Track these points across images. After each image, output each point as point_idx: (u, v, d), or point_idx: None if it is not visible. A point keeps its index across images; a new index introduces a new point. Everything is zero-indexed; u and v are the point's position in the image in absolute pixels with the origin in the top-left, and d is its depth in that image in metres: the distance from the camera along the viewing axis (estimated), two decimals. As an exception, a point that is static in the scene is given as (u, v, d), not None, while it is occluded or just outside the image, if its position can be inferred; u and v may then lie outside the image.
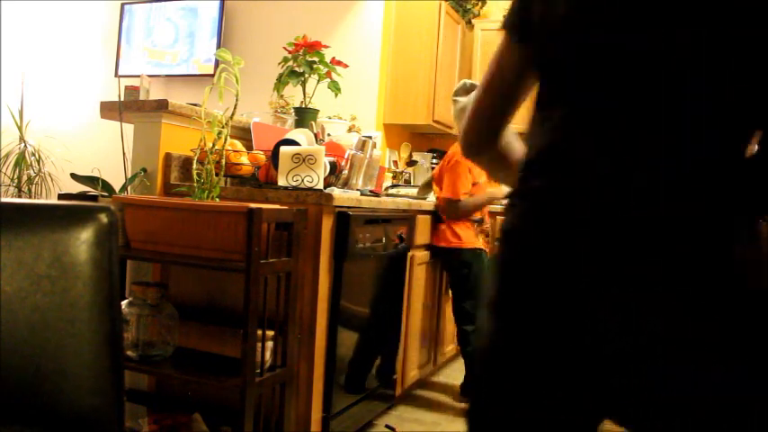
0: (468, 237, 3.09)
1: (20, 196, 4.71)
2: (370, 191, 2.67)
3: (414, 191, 3.57)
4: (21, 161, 4.75)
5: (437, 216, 3.18)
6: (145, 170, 2.32)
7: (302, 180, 2.25)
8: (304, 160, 2.25)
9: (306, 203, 2.18)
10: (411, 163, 3.95)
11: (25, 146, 4.79)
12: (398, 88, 4.11)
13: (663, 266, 0.74)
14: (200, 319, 2.22)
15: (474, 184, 3.05)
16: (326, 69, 2.80)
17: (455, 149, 3.05)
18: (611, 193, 0.76)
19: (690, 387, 0.73)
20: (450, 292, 3.24)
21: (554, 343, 0.80)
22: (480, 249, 3.11)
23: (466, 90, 3.00)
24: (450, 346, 3.69)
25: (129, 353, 1.96)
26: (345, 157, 2.56)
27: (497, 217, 3.56)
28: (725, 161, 0.76)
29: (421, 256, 3.02)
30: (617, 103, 0.78)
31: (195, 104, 2.40)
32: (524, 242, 0.84)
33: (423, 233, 3.03)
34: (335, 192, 2.27)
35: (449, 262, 3.18)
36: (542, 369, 0.81)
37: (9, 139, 4.75)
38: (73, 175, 2.35)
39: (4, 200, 0.86)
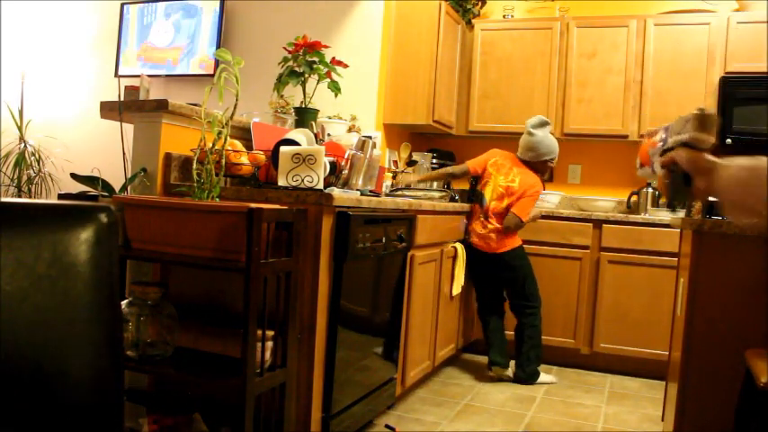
0: (514, 239, 3.60)
1: (20, 196, 4.71)
2: (371, 191, 2.67)
3: (418, 193, 3.58)
4: (21, 161, 4.75)
5: (468, 217, 3.72)
6: (145, 170, 2.32)
7: (302, 180, 2.25)
8: (304, 160, 2.26)
9: (306, 203, 2.18)
10: (411, 163, 3.95)
11: (25, 146, 4.79)
12: (398, 88, 4.11)
13: None
14: (200, 319, 2.22)
15: None
16: (326, 69, 2.80)
17: (526, 186, 3.53)
18: None
19: None
20: (504, 291, 3.71)
21: None
22: (521, 245, 3.62)
23: (541, 124, 3.59)
24: (450, 346, 3.69)
25: (129, 353, 1.96)
26: (345, 157, 2.56)
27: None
28: None
29: (421, 255, 3.02)
30: None
31: (195, 104, 2.40)
32: None
33: (423, 233, 3.03)
34: (335, 192, 2.27)
35: (503, 263, 3.58)
36: None
37: (9, 139, 4.75)
38: (73, 175, 2.35)
39: (4, 200, 0.86)
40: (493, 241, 3.55)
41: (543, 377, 3.59)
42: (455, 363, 3.90)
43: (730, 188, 1.07)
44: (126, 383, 2.25)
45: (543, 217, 3.96)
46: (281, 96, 3.24)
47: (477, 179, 4.43)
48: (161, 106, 2.28)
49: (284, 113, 3.01)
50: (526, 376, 3.55)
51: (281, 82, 2.80)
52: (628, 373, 3.87)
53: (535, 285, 3.61)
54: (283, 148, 2.30)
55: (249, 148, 2.43)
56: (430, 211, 3.13)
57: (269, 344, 1.96)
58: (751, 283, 2.11)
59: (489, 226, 3.56)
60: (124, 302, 1.97)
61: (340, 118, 3.55)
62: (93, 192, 2.31)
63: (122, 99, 2.35)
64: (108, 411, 0.90)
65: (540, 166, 3.60)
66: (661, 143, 1.27)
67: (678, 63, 4.03)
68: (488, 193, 3.60)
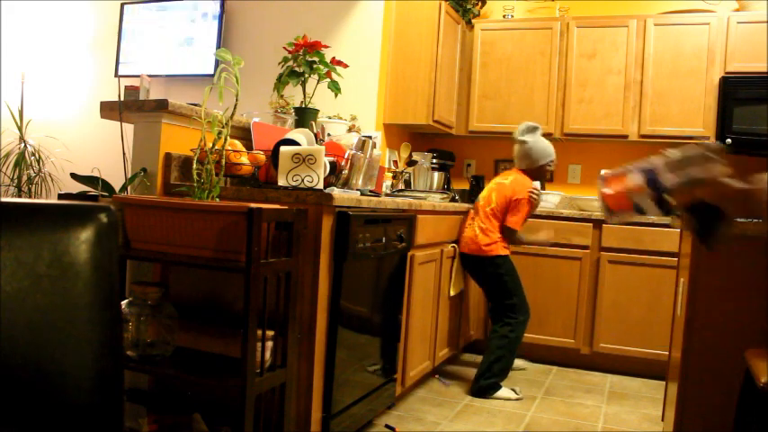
0: (498, 246, 3.40)
1: (20, 196, 4.70)
2: (371, 191, 2.67)
3: (421, 194, 3.57)
4: (21, 161, 4.75)
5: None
6: (145, 170, 2.32)
7: (302, 180, 2.25)
8: (304, 160, 2.26)
9: (306, 203, 2.18)
10: (411, 163, 3.95)
11: (25, 146, 4.79)
12: (398, 88, 4.11)
13: None
14: (200, 319, 2.22)
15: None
16: (326, 69, 2.80)
17: (516, 186, 3.40)
18: None
19: None
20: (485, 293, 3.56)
21: None
22: (507, 255, 3.42)
23: (530, 130, 3.46)
24: (451, 346, 3.69)
25: (129, 353, 1.96)
26: (345, 157, 2.56)
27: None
28: None
29: (421, 255, 3.02)
30: None
31: (195, 104, 2.40)
32: None
33: (423, 233, 3.03)
34: (335, 192, 2.27)
35: (485, 267, 3.43)
36: None
37: (9, 139, 4.75)
38: (73, 175, 2.35)
39: (4, 200, 0.86)
40: (475, 243, 3.41)
41: (504, 392, 3.25)
42: (455, 363, 3.90)
43: None
44: (126, 383, 2.26)
45: (543, 217, 3.96)
46: (281, 96, 3.24)
47: (478, 180, 4.44)
48: (161, 106, 2.28)
49: (284, 113, 3.01)
50: (477, 389, 3.25)
51: (281, 82, 2.80)
52: (628, 373, 3.87)
53: (519, 297, 3.37)
54: (283, 148, 2.30)
55: (249, 148, 2.43)
56: (430, 211, 3.13)
57: (269, 344, 1.96)
58: (751, 283, 2.11)
59: (474, 224, 3.45)
60: (124, 302, 1.97)
61: (340, 118, 3.55)
62: (93, 192, 2.32)
63: (122, 99, 2.35)
64: (108, 411, 0.90)
65: (540, 172, 3.48)
66: (650, 184, 1.18)
67: (678, 63, 4.03)
68: (482, 192, 3.56)
